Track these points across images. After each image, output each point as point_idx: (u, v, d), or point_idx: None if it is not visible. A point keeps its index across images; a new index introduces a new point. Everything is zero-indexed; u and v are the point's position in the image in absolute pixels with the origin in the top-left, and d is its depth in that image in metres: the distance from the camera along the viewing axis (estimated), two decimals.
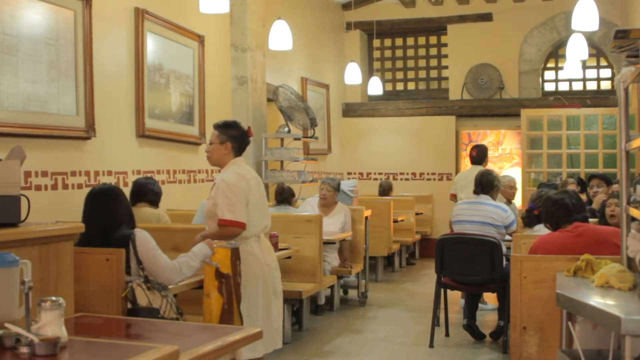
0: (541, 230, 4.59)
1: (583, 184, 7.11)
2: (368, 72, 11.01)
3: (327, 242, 6.15)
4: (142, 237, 3.40)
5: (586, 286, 3.11)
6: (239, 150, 4.03)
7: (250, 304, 3.85)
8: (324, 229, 5.98)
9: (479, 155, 7.34)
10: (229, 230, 3.83)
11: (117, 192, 3.53)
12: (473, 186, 5.91)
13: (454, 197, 7.36)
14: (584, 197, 6.21)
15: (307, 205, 6.80)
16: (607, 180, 6.45)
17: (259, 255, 3.94)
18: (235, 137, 4.01)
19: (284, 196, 6.34)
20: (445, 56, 10.93)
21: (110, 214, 3.43)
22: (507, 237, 5.57)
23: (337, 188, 6.80)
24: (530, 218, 5.08)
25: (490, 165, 9.82)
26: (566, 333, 3.14)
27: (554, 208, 4.06)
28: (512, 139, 10.39)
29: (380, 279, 8.45)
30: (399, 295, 7.58)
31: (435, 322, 5.45)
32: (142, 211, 4.77)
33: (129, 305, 3.18)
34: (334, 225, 6.61)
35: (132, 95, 5.46)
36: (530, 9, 10.21)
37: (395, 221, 8.66)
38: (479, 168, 7.48)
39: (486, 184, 5.77)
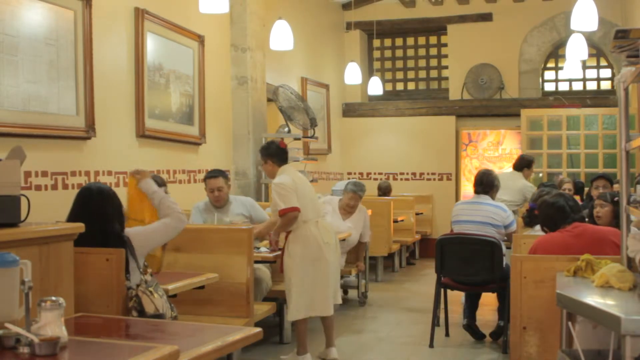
0: (541, 230, 4.58)
1: (580, 187, 7.00)
2: (368, 72, 11.01)
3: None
4: (133, 233, 3.33)
5: (586, 286, 3.10)
6: (280, 161, 4.89)
7: (297, 277, 4.71)
8: (345, 231, 6.47)
9: (519, 162, 7.69)
10: (287, 216, 4.67)
11: (108, 191, 3.39)
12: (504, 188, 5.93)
13: None
14: (577, 198, 6.17)
15: (328, 205, 6.74)
16: (612, 181, 6.35)
17: (317, 236, 4.74)
18: (272, 154, 4.89)
19: None
20: (445, 56, 10.92)
21: (101, 212, 3.29)
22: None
23: (363, 195, 6.87)
24: (530, 218, 5.08)
25: (489, 165, 9.85)
26: (566, 333, 3.13)
27: (551, 211, 4.05)
28: (512, 139, 10.38)
29: (380, 279, 8.44)
30: (399, 295, 7.58)
31: (435, 322, 5.45)
32: None
33: (135, 314, 3.08)
34: (356, 229, 6.74)
35: (132, 95, 5.46)
36: (530, 9, 10.21)
37: (395, 221, 8.65)
38: (516, 174, 7.49)
39: (487, 184, 5.76)
